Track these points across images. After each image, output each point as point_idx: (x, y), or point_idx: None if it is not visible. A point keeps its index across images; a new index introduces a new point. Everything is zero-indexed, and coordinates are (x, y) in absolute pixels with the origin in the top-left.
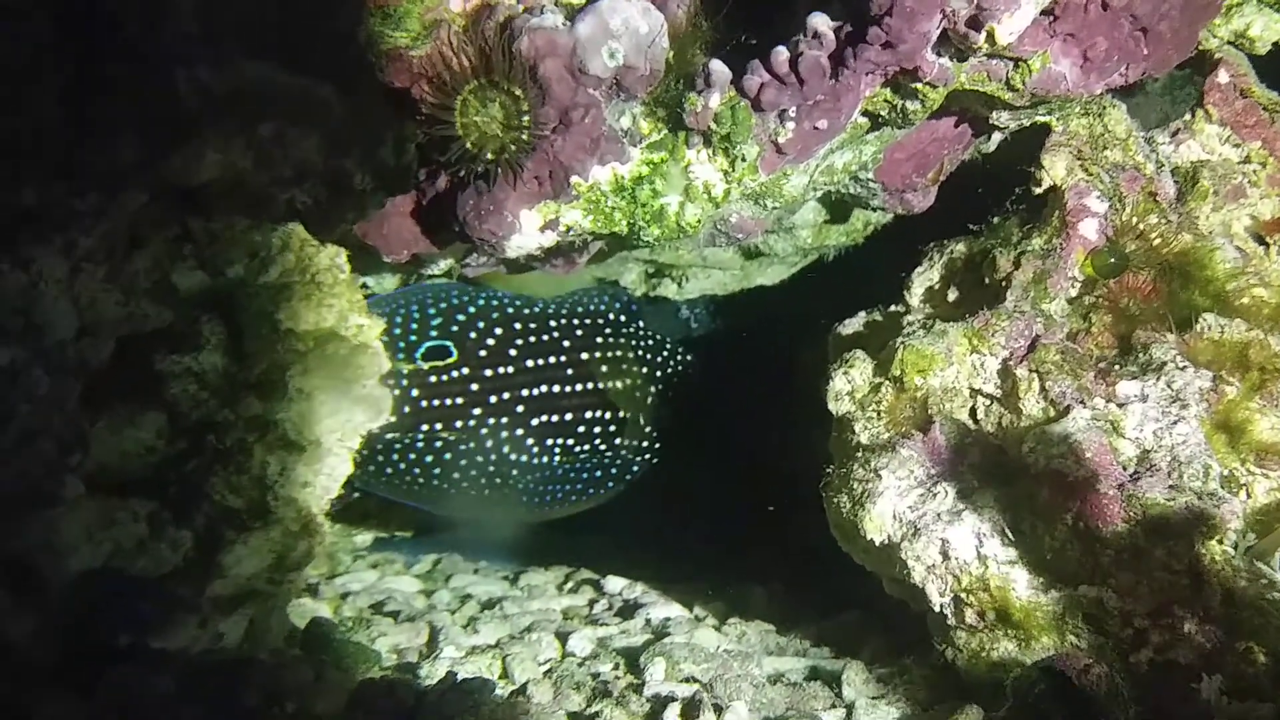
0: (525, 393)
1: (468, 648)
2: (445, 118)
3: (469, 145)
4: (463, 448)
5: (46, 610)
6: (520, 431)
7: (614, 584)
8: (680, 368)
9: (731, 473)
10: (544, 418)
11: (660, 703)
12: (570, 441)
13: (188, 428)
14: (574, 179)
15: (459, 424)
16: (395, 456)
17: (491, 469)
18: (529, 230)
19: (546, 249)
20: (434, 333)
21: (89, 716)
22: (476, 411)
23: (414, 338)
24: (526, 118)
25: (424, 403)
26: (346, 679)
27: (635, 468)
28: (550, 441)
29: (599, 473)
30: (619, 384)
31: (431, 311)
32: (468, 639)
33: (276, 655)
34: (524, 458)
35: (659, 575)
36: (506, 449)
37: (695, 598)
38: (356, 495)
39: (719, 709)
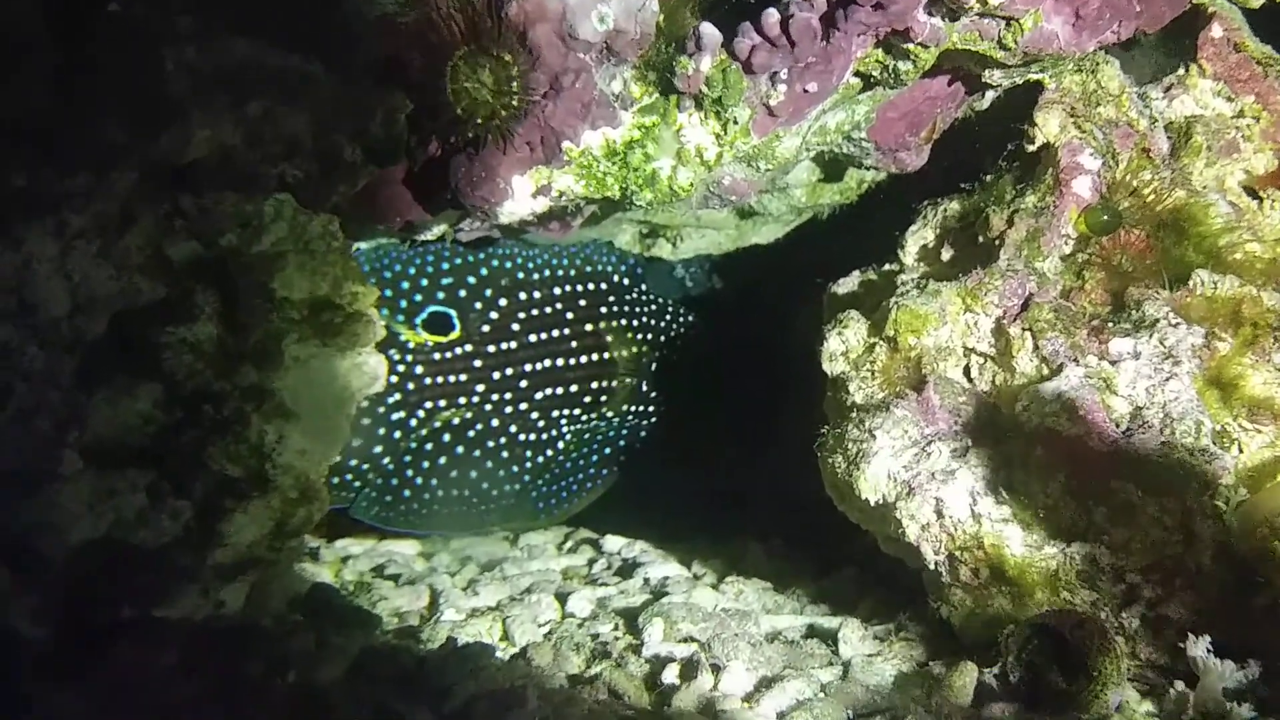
0: (529, 367)
1: (468, 610)
2: (435, 84)
3: (460, 111)
4: (470, 433)
5: (47, 589)
6: (525, 406)
7: (613, 543)
8: (682, 330)
9: (729, 431)
10: (549, 390)
11: (659, 663)
12: (577, 411)
13: (185, 398)
14: (565, 144)
15: (462, 401)
16: (394, 471)
17: (502, 455)
18: (521, 196)
19: (539, 214)
20: (441, 295)
21: (93, 694)
22: (480, 388)
23: (419, 298)
24: (517, 83)
25: (428, 380)
26: (348, 645)
27: (642, 434)
28: (556, 413)
29: (607, 449)
30: (624, 352)
31: (443, 269)
32: (468, 601)
33: (278, 622)
34: (531, 435)
35: (657, 533)
36: (513, 427)
37: (693, 555)
38: (347, 508)
39: (717, 669)
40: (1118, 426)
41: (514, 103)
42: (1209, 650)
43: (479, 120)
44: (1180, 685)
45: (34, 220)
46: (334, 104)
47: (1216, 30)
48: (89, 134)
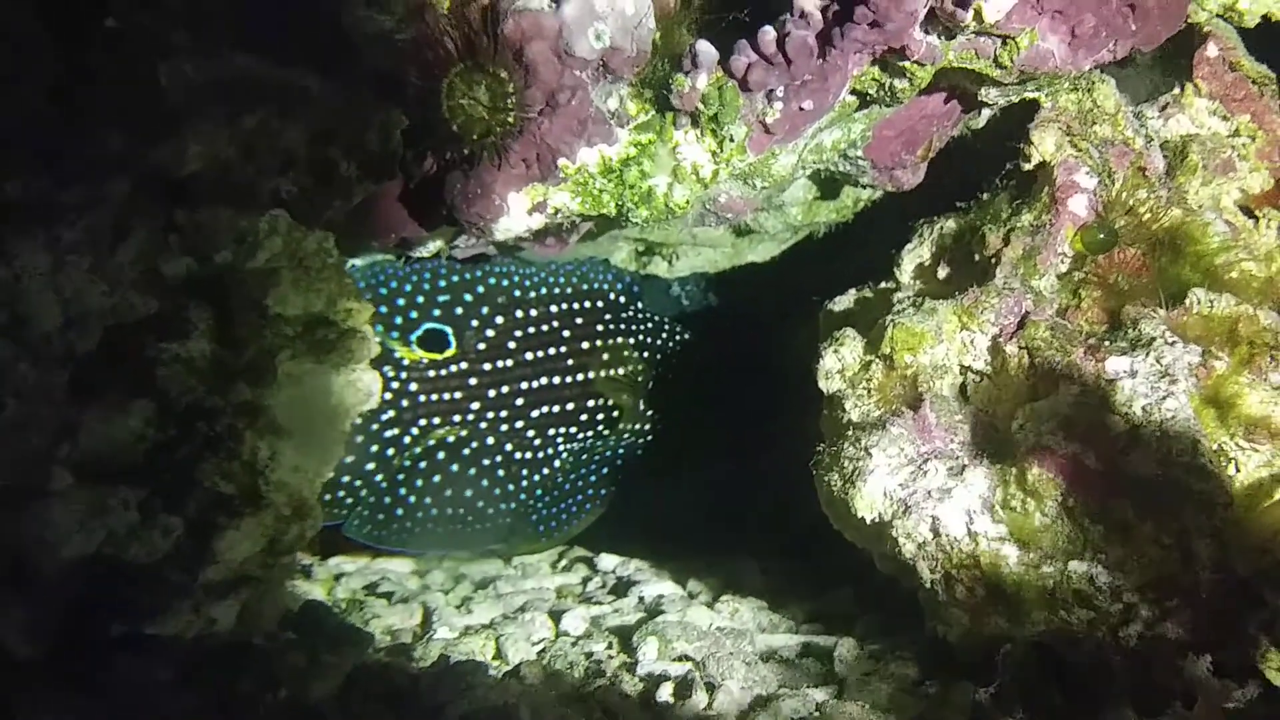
0: (525, 385)
1: (461, 628)
2: (431, 101)
3: (455, 128)
4: (465, 451)
5: (40, 603)
6: (521, 424)
7: (607, 561)
8: (677, 348)
9: (725, 449)
10: (545, 408)
11: (653, 682)
12: (574, 430)
13: (178, 415)
14: (561, 161)
15: (457, 418)
16: (388, 489)
17: (498, 474)
18: (517, 213)
19: (535, 231)
20: (437, 312)
21: (86, 708)
22: (475, 406)
23: (414, 315)
24: (513, 100)
25: (422, 397)
26: (340, 663)
27: (639, 452)
28: (553, 432)
29: (605, 469)
30: (620, 371)
31: (439, 286)
32: (461, 619)
33: (270, 640)
34: (527, 454)
35: (652, 552)
36: (509, 445)
37: (688, 574)
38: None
39: (711, 687)
40: (1115, 445)
41: (509, 119)
42: (1209, 670)
43: (474, 137)
44: (1178, 705)
45: (26, 233)
46: (330, 118)
47: (1212, 49)
48: (84, 146)
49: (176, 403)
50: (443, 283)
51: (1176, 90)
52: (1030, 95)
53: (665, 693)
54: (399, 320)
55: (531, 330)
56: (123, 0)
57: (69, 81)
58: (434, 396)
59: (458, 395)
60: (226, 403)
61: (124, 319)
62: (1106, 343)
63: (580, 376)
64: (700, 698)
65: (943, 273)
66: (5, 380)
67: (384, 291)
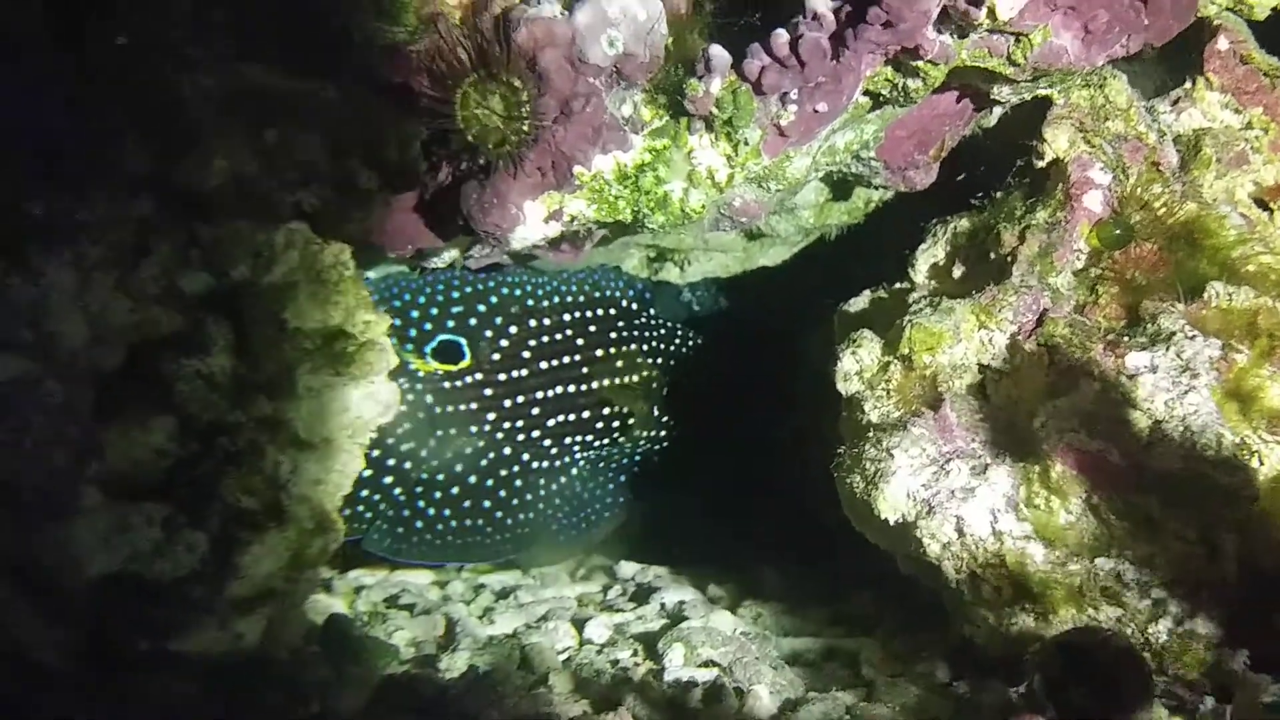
0: (540, 395)
1: (485, 639)
2: (445, 111)
3: (470, 138)
4: (482, 462)
5: (68, 619)
6: (537, 433)
7: (626, 569)
8: (690, 354)
9: (739, 453)
10: (561, 417)
11: (682, 688)
12: (589, 438)
13: (199, 430)
14: (577, 168)
15: (474, 430)
16: (405, 502)
17: (515, 484)
18: (533, 221)
19: (551, 239)
20: (451, 323)
21: None
22: (491, 416)
23: (429, 327)
24: (527, 109)
25: (438, 409)
26: (367, 676)
27: (654, 459)
28: (569, 440)
29: (622, 476)
30: (634, 378)
31: (452, 297)
32: (484, 630)
33: (296, 654)
34: (544, 463)
35: (669, 558)
36: (526, 455)
37: (708, 579)
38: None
39: (740, 692)
40: (1137, 441)
41: (524, 128)
42: (1247, 664)
43: (490, 146)
44: (1210, 701)
45: (52, 250)
46: (348, 128)
47: (1223, 43)
48: (107, 162)
49: (197, 418)
50: (456, 294)
51: (1188, 84)
52: (1042, 92)
53: (695, 698)
54: (413, 333)
55: (545, 339)
56: (130, 11)
57: (89, 98)
58: (450, 408)
59: (474, 406)
60: (247, 417)
61: (148, 335)
62: (1126, 338)
63: (594, 384)
64: (730, 702)
65: (958, 272)
66: (33, 397)
67: (398, 304)
